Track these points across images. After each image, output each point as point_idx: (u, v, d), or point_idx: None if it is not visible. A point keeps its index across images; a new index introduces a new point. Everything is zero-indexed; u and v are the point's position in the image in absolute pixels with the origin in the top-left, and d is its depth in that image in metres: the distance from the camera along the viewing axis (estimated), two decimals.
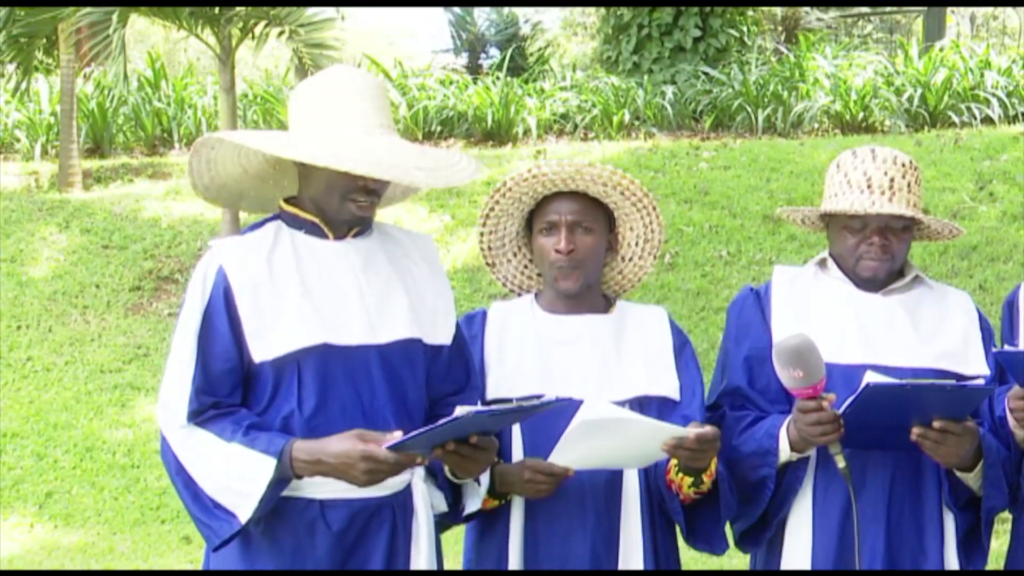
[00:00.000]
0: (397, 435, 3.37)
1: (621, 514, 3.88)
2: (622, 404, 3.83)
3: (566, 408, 3.74)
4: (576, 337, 3.95)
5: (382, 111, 3.62)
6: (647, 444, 3.70)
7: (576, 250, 3.88)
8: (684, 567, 4.06)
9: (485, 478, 3.73)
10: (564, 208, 3.89)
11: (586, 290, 3.98)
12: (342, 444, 3.38)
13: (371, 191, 3.59)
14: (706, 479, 3.83)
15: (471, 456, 3.52)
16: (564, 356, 3.92)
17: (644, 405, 3.89)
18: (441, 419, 3.36)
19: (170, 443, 3.54)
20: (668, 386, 3.95)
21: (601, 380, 3.90)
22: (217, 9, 12.18)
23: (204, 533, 3.55)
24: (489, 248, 4.10)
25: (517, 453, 3.86)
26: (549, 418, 3.75)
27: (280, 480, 3.45)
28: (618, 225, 4.04)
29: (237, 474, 3.45)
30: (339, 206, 3.60)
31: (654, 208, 4.01)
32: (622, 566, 3.86)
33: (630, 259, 4.13)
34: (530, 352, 3.94)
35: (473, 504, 3.78)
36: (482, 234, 4.07)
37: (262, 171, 3.80)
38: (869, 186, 3.96)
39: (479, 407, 3.41)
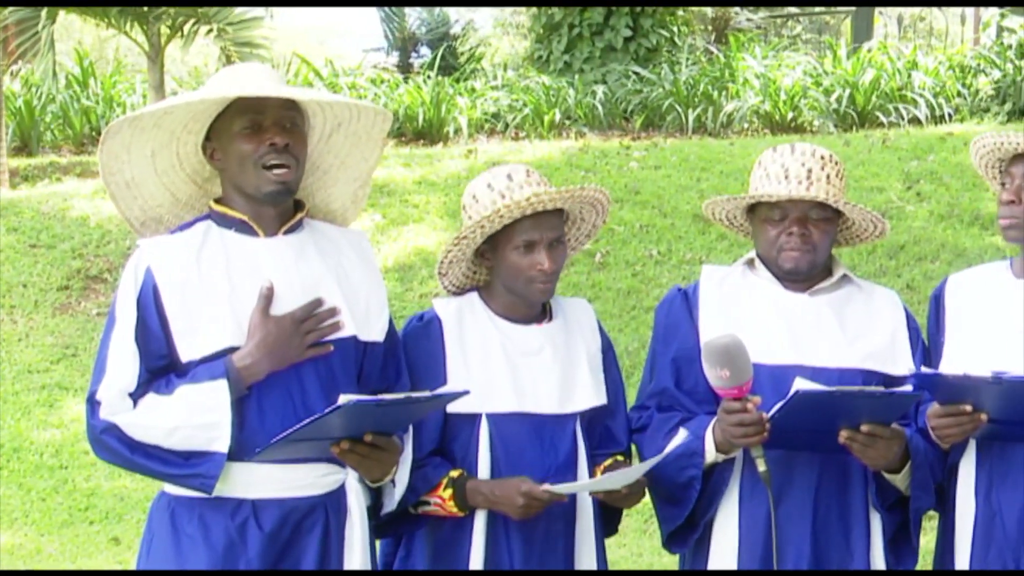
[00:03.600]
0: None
1: (576, 517, 3.93)
2: (576, 416, 3.93)
3: (535, 423, 3.85)
4: (540, 348, 3.96)
5: (283, 82, 3.67)
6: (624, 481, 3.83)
7: (557, 267, 3.89)
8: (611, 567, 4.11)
9: (403, 478, 3.72)
10: (545, 225, 3.87)
11: None
12: (257, 319, 3.51)
13: (282, 150, 3.56)
14: None
15: (369, 456, 3.53)
16: (530, 367, 3.93)
17: (593, 414, 3.99)
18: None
19: (120, 427, 3.49)
20: (602, 393, 4.01)
21: (562, 392, 3.93)
22: (146, 7, 12.11)
23: (193, 484, 3.51)
24: (451, 262, 4.00)
25: (484, 468, 3.85)
26: (517, 434, 3.85)
27: (239, 399, 3.46)
28: (568, 226, 4.06)
29: (197, 412, 3.45)
30: (257, 178, 3.57)
31: (606, 211, 4.08)
32: (577, 565, 3.92)
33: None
34: (498, 364, 3.91)
35: (389, 504, 3.76)
36: (449, 251, 3.96)
37: (190, 195, 3.77)
38: (786, 177, 3.98)
39: (362, 396, 3.40)
